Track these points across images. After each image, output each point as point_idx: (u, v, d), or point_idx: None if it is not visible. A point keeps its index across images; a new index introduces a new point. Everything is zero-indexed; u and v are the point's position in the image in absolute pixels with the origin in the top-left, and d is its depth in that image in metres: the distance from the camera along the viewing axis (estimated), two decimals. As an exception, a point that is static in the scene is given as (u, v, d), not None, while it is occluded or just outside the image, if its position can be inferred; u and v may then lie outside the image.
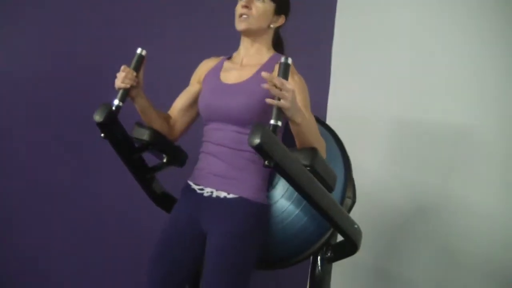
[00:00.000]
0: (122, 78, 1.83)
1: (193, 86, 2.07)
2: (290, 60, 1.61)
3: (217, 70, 2.01)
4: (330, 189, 1.79)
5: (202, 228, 1.89)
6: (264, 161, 1.56)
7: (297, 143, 1.74)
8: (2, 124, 2.40)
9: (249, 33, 1.95)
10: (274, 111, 1.58)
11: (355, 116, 3.09)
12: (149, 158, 2.07)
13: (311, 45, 3.10)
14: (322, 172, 1.72)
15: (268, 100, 1.58)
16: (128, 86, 1.84)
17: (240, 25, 1.93)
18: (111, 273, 2.63)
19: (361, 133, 3.03)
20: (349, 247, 1.97)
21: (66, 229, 2.54)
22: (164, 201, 2.13)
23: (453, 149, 2.70)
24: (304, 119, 1.67)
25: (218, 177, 1.88)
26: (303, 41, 2.98)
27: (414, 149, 2.86)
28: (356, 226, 1.92)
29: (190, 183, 1.96)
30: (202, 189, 1.91)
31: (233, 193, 1.86)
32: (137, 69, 1.87)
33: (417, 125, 2.86)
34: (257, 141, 1.51)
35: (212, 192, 1.89)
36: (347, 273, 2.95)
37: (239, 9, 1.93)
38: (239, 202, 1.84)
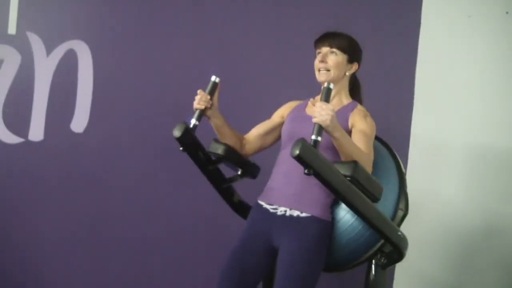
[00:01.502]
0: (198, 100, 2.14)
1: (275, 119, 2.36)
2: (331, 85, 1.90)
3: (302, 106, 2.30)
4: (375, 198, 1.96)
5: (273, 243, 2.13)
6: (305, 169, 1.82)
7: (341, 158, 1.97)
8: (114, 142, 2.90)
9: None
10: (315, 128, 1.84)
11: (434, 142, 3.17)
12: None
13: (395, 74, 3.24)
14: (364, 183, 1.91)
15: (313, 120, 1.85)
16: (203, 107, 2.14)
17: (321, 78, 2.20)
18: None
19: (439, 158, 3.11)
20: (395, 253, 2.11)
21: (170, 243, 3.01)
22: (241, 208, 2.41)
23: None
24: (342, 135, 1.89)
25: (292, 196, 2.12)
26: (386, 72, 3.16)
27: (487, 175, 2.93)
28: (399, 233, 2.06)
29: (262, 203, 2.20)
30: (275, 209, 2.15)
31: (305, 212, 2.09)
32: (211, 93, 2.16)
33: (492, 151, 2.94)
34: (296, 152, 1.77)
35: (285, 211, 2.12)
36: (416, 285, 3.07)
37: (317, 64, 2.21)
38: (311, 220, 2.08)
